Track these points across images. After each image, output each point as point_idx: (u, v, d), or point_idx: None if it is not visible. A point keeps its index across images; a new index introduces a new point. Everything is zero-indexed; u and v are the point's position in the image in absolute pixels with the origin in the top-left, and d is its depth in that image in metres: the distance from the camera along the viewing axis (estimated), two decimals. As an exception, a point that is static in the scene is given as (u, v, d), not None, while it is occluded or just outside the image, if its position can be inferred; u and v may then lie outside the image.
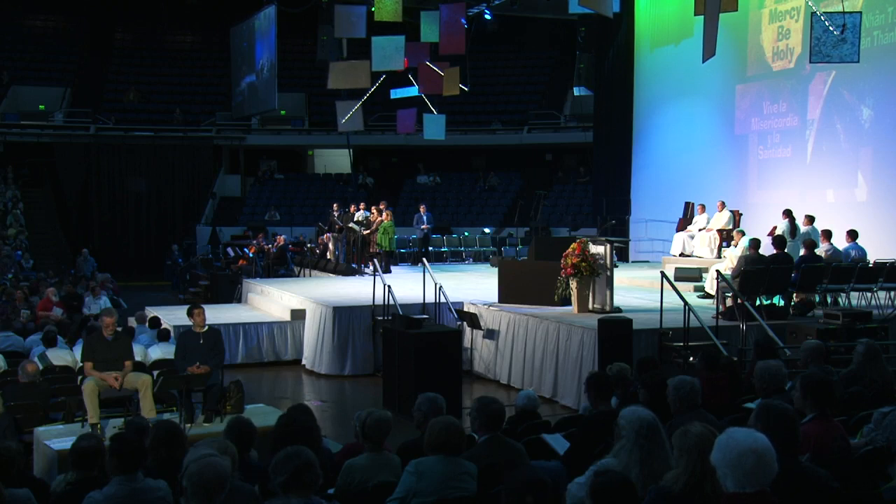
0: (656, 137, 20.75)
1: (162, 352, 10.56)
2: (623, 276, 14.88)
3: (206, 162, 30.86)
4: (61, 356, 10.34)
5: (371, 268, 15.41)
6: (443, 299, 12.66)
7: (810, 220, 13.39)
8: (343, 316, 12.80)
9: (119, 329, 9.10)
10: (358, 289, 14.51)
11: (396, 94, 21.46)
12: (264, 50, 24.37)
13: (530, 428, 6.25)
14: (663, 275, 10.52)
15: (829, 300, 12.16)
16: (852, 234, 12.71)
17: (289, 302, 14.51)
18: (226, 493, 3.74)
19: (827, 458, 4.38)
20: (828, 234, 12.59)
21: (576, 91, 24.48)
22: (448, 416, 4.71)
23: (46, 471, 7.16)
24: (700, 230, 16.00)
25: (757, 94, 17.74)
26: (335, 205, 19.60)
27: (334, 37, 18.46)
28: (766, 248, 12.37)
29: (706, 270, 13.64)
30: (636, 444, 3.95)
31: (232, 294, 18.56)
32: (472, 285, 15.26)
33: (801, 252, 11.92)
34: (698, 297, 12.66)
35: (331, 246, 19.09)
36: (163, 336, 11.63)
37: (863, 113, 15.49)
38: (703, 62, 11.51)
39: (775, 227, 13.75)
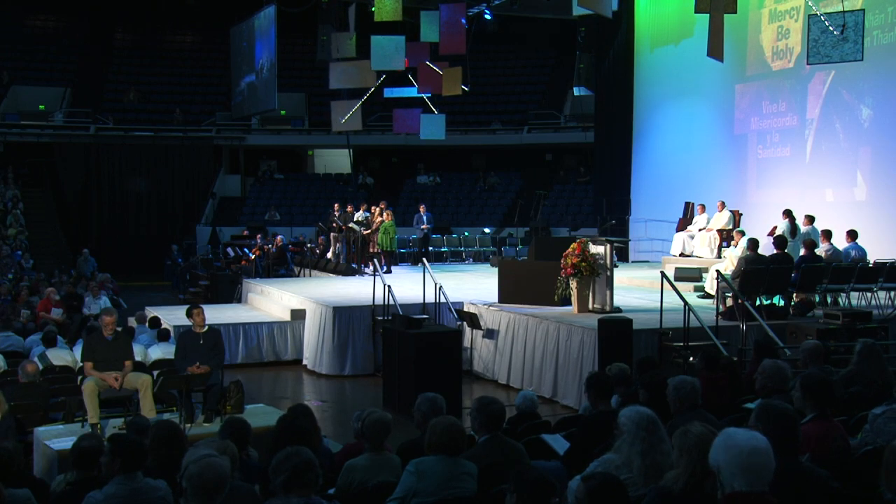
0: (656, 137, 20.75)
1: (162, 352, 10.56)
2: (623, 276, 14.88)
3: (206, 162, 30.86)
4: (61, 356, 10.34)
5: (371, 268, 15.41)
6: (443, 299, 12.66)
7: (810, 220, 13.39)
8: (343, 316, 12.80)
9: (119, 329, 9.10)
10: (358, 289, 14.51)
11: (390, 93, 21.47)
12: (264, 50, 24.34)
13: (530, 428, 6.26)
14: (663, 275, 10.52)
15: (829, 300, 12.16)
16: (852, 234, 12.72)
17: (289, 302, 14.50)
18: (226, 493, 3.74)
19: (827, 458, 4.38)
20: (828, 234, 12.59)
21: (576, 91, 24.47)
22: (449, 417, 4.71)
23: (46, 471, 7.16)
24: (700, 230, 16.01)
25: (756, 93, 17.74)
26: (336, 205, 19.60)
27: (347, 41, 18.53)
28: (766, 248, 12.38)
29: (706, 270, 13.64)
30: (637, 437, 4.04)
31: (232, 294, 18.55)
32: (472, 285, 15.26)
33: (801, 252, 11.92)
34: (698, 297, 12.66)
35: (336, 246, 19.03)
36: (163, 336, 11.64)
37: (862, 112, 15.49)
38: (709, 57, 11.58)
39: (775, 227, 13.75)
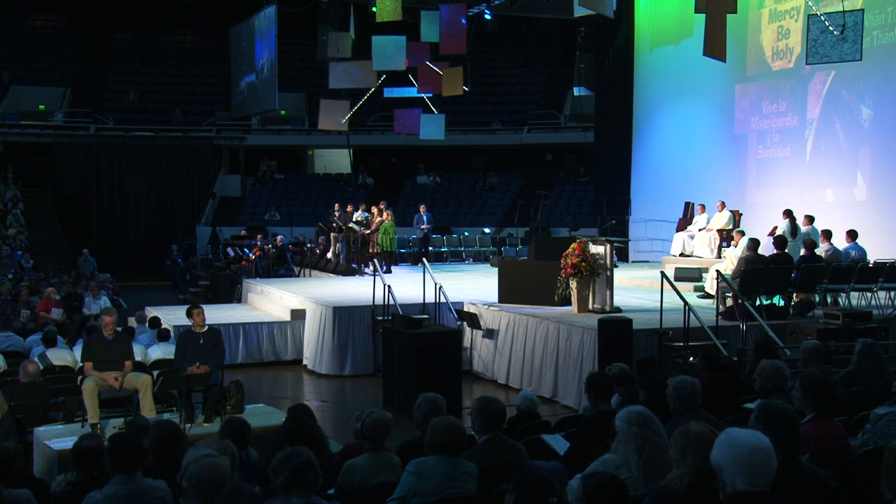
0: (656, 137, 20.75)
1: (162, 352, 10.56)
2: (623, 276, 14.88)
3: (206, 162, 30.86)
4: (61, 356, 10.34)
5: (371, 268, 15.41)
6: (443, 299, 12.66)
7: (810, 220, 13.40)
8: (343, 316, 12.80)
9: (119, 329, 9.10)
10: (358, 289, 14.51)
11: (390, 93, 21.47)
12: (264, 50, 24.34)
13: (530, 428, 6.26)
14: (663, 275, 10.51)
15: (829, 300, 12.16)
16: (852, 234, 12.72)
17: (289, 302, 14.50)
18: (226, 493, 3.74)
19: (827, 458, 4.38)
20: (828, 234, 12.59)
21: (576, 91, 24.49)
22: (450, 417, 4.71)
23: (46, 471, 7.16)
24: (700, 230, 16.01)
25: (756, 93, 17.74)
26: (336, 205, 19.61)
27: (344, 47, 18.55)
28: (766, 248, 12.38)
29: (706, 270, 13.65)
30: (630, 434, 4.08)
31: (232, 294, 18.55)
32: (472, 285, 15.26)
33: (801, 252, 11.92)
34: (698, 297, 12.66)
35: (336, 246, 19.02)
36: (163, 336, 11.64)
37: (862, 112, 15.49)
38: (706, 56, 11.60)
39: (776, 227, 13.76)
